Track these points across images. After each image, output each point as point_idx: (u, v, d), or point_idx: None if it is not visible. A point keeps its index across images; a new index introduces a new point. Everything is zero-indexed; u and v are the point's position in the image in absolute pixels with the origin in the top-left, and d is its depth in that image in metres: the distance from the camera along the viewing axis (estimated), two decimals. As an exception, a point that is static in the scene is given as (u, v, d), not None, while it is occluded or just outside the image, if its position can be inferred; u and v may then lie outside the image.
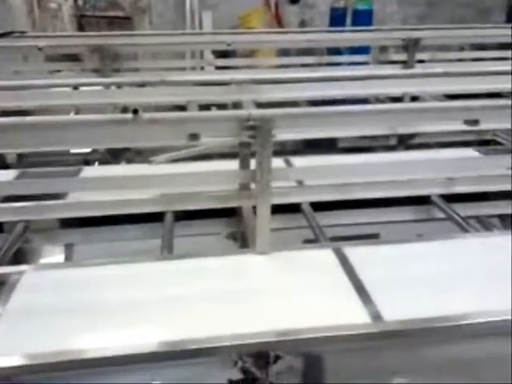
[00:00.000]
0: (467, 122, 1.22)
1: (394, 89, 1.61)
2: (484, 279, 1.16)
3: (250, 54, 4.32)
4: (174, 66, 2.86)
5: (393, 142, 2.36)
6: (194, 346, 0.95)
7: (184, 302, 1.08)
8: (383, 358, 1.12)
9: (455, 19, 5.24)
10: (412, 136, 2.26)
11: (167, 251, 1.28)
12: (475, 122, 1.21)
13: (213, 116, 1.12)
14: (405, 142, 2.31)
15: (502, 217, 1.75)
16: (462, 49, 4.45)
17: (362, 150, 2.23)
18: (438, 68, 1.76)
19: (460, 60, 3.51)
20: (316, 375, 1.13)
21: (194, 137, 1.05)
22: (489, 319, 1.04)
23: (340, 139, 2.33)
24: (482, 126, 1.33)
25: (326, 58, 2.96)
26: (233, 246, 1.64)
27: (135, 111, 0.97)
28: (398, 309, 1.00)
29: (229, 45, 2.28)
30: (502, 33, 3.38)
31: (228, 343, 0.97)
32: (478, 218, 1.69)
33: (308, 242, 1.48)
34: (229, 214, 1.62)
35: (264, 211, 1.16)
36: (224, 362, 1.08)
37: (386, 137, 2.33)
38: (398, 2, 5.53)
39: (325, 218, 1.72)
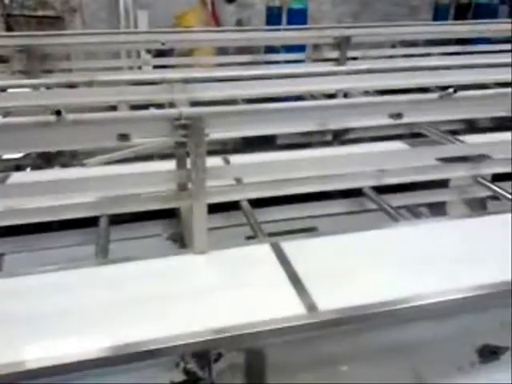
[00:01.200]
0: (392, 116, 1.28)
1: (324, 86, 1.66)
2: (414, 265, 1.22)
3: (188, 53, 4.29)
4: (111, 65, 2.80)
5: (329, 137, 2.43)
6: (134, 350, 0.94)
7: (122, 307, 1.06)
8: (326, 347, 1.16)
9: (387, 17, 5.45)
10: (346, 131, 2.34)
11: (102, 256, 1.26)
12: (399, 116, 1.26)
13: (141, 115, 1.10)
14: (339, 138, 2.38)
15: (430, 205, 1.85)
16: (393, 46, 4.63)
17: (300, 147, 2.28)
18: (365, 65, 1.82)
19: (391, 57, 3.67)
20: (259, 369, 1.15)
21: (124, 137, 1.03)
22: (421, 303, 1.09)
23: (278, 136, 2.37)
24: (408, 120, 1.40)
25: (263, 57, 3.00)
26: (174, 248, 1.63)
27: (58, 112, 0.94)
28: (332, 298, 1.03)
29: (163, 44, 2.25)
30: (430, 30, 3.56)
31: (168, 344, 0.96)
32: (407, 208, 1.78)
33: (250, 238, 1.50)
34: (170, 214, 1.61)
35: (200, 211, 1.16)
36: (166, 365, 1.07)
37: (323, 133, 2.39)
38: (332, 1, 5.67)
39: (264, 215, 1.75)
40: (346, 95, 2.24)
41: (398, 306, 1.07)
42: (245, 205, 1.55)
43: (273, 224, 1.78)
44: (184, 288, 1.10)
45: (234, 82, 1.85)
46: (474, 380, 1.28)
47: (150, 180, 1.26)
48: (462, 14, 5.49)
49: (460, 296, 1.12)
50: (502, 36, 3.73)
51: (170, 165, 1.39)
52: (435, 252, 1.28)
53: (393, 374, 1.26)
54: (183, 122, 1.08)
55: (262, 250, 1.22)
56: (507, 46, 3.42)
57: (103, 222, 1.39)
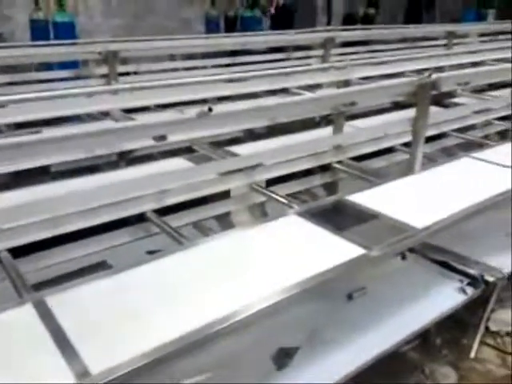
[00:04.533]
0: (155, 139, 1.22)
1: (82, 108, 1.52)
2: (199, 292, 1.16)
3: None
4: None
5: (114, 158, 2.28)
6: None
7: None
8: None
9: (161, 30, 5.47)
10: (131, 151, 2.23)
11: None
12: (162, 138, 1.21)
13: None
14: (126, 157, 2.26)
15: (219, 217, 1.86)
16: (172, 59, 4.66)
17: (81, 172, 2.08)
18: (130, 83, 1.74)
19: (174, 70, 3.68)
20: None
21: None
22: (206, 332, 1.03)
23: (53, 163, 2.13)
24: (174, 138, 1.36)
25: (29, 75, 2.68)
26: None
27: None
28: (105, 356, 0.90)
29: None
30: (202, 43, 3.68)
31: None
32: (195, 224, 1.76)
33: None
34: None
35: None
36: None
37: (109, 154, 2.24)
38: (102, 14, 5.44)
39: (43, 260, 1.53)
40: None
41: (180, 347, 0.98)
42: (4, 256, 1.31)
43: (56, 266, 1.57)
44: None
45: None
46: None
47: None
48: (230, 26, 5.86)
49: (260, 307, 1.11)
50: (265, 47, 4.09)
51: None
52: (221, 270, 1.26)
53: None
54: None
55: (23, 313, 1.02)
56: (270, 56, 3.76)
57: None
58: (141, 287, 1.17)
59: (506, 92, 2.91)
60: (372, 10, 7.14)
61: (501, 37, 5.07)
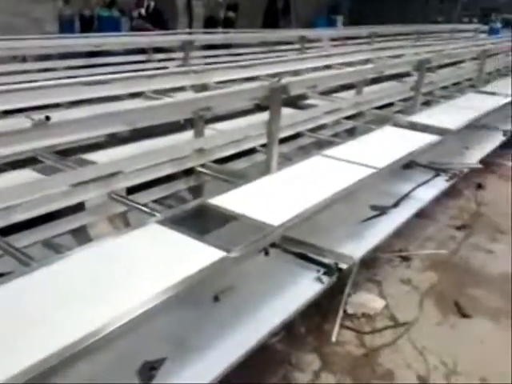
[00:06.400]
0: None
1: None
2: (54, 313, 1.07)
3: None
4: None
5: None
6: None
7: None
8: None
9: (7, 29, 4.99)
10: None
11: None
12: None
13: None
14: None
15: (74, 231, 1.74)
16: (24, 60, 4.28)
17: None
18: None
19: (25, 72, 3.37)
20: None
21: None
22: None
23: None
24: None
25: None
26: None
27: None
28: None
29: None
30: (53, 43, 3.42)
31: None
32: (46, 242, 1.62)
33: None
34: None
35: None
36: None
37: None
38: None
39: None
40: None
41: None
42: None
43: None
44: None
45: None
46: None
47: None
48: (87, 26, 5.56)
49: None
50: (124, 48, 3.95)
51: None
52: (77, 289, 1.16)
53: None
54: None
55: None
56: (130, 58, 3.63)
57: None
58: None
59: (351, 93, 3.20)
60: (232, 14, 7.32)
61: (349, 42, 5.56)
